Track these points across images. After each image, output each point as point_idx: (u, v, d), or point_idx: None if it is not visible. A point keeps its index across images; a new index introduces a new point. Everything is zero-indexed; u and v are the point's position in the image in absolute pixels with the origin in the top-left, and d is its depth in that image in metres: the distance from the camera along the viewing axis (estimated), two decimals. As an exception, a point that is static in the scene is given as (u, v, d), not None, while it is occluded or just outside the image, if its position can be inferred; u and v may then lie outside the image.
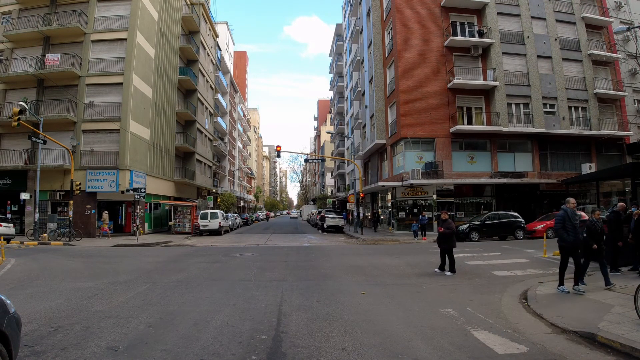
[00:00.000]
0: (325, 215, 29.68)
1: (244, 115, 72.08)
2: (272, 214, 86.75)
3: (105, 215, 21.06)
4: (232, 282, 8.29)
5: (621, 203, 8.60)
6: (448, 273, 9.09)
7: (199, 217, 24.67)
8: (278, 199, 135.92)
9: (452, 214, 21.96)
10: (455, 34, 23.50)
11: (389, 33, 25.79)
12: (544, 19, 24.58)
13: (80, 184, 19.99)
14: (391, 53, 24.98)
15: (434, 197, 22.61)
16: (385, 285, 7.97)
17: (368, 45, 29.76)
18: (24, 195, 20.13)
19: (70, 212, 19.70)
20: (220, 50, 46.75)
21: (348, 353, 4.17)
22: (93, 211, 21.50)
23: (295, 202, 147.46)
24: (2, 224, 17.62)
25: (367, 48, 30.04)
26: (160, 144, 26.50)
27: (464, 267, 10.06)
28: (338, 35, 49.70)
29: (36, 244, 17.38)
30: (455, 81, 22.50)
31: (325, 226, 28.74)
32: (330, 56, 57.49)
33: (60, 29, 22.05)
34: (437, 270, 9.48)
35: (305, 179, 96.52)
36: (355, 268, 10.17)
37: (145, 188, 20.87)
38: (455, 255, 9.53)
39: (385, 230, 25.62)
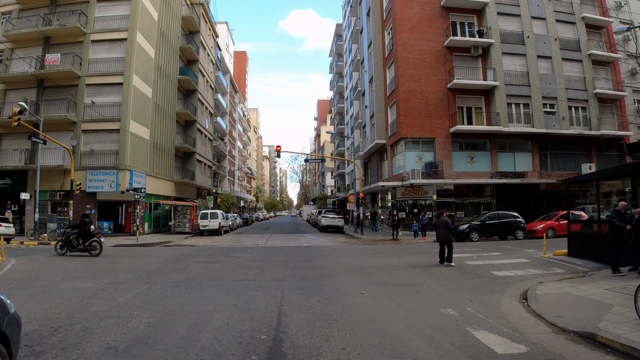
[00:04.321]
0: (323, 215, 29.65)
1: (244, 115, 72.10)
2: (271, 214, 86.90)
3: (8, 214, 19.21)
4: (232, 282, 8.29)
5: (622, 202, 8.57)
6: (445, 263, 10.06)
7: (199, 217, 24.67)
8: (278, 199, 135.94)
9: (452, 214, 21.96)
10: (455, 34, 23.51)
11: (389, 33, 25.79)
12: (544, 19, 24.58)
13: (80, 184, 19.99)
14: (391, 53, 24.98)
15: (434, 197, 22.62)
16: (385, 285, 7.97)
17: (368, 45, 29.76)
18: (24, 195, 20.14)
19: (70, 212, 19.69)
20: (220, 50, 46.75)
21: (348, 353, 4.17)
22: (93, 211, 21.49)
23: (295, 202, 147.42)
24: (2, 224, 17.63)
25: (367, 48, 30.05)
26: (160, 144, 26.50)
27: (464, 267, 10.06)
28: (338, 35, 49.71)
29: (36, 244, 17.39)
30: (455, 81, 22.51)
31: (321, 226, 28.69)
32: (330, 56, 57.50)
33: (60, 29, 22.06)
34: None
35: (305, 179, 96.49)
36: (355, 268, 10.17)
37: (145, 188, 20.86)
38: (455, 255, 10.07)
39: (385, 230, 25.59)
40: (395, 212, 21.18)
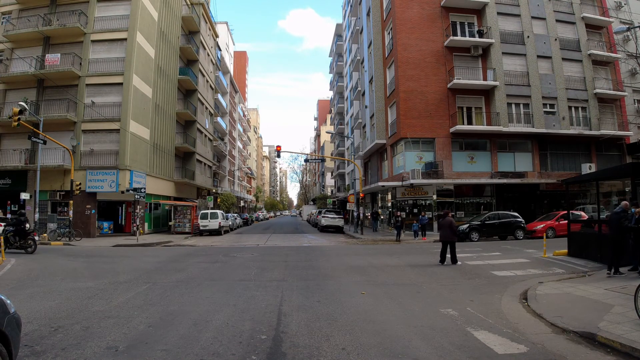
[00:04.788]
0: (323, 215, 29.69)
1: (244, 115, 72.10)
2: (271, 214, 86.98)
3: None
4: (232, 282, 8.29)
5: (625, 202, 8.50)
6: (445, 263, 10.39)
7: (199, 217, 24.67)
8: (278, 199, 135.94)
9: (452, 214, 21.95)
10: (455, 34, 23.50)
11: (389, 33, 25.79)
12: (544, 19, 24.58)
13: (80, 184, 19.98)
14: (391, 53, 24.98)
15: (434, 197, 22.61)
16: (385, 285, 7.97)
17: (368, 45, 29.76)
18: (24, 195, 20.12)
19: (70, 212, 19.70)
20: (220, 50, 46.75)
21: (348, 353, 4.17)
22: (93, 211, 21.50)
23: (295, 202, 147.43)
24: (2, 224, 17.61)
25: (367, 48, 30.05)
26: (160, 144, 26.50)
27: (464, 267, 10.08)
28: (338, 35, 49.72)
29: (36, 244, 17.35)
30: (455, 81, 22.50)
31: (321, 226, 28.71)
32: (330, 56, 57.52)
33: (60, 29, 22.04)
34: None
35: (305, 179, 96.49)
36: (355, 268, 10.17)
37: (145, 188, 20.87)
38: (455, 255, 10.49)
39: (385, 230, 25.60)
40: (398, 213, 20.55)
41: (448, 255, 10.65)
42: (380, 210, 29.46)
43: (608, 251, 8.60)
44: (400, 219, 19.58)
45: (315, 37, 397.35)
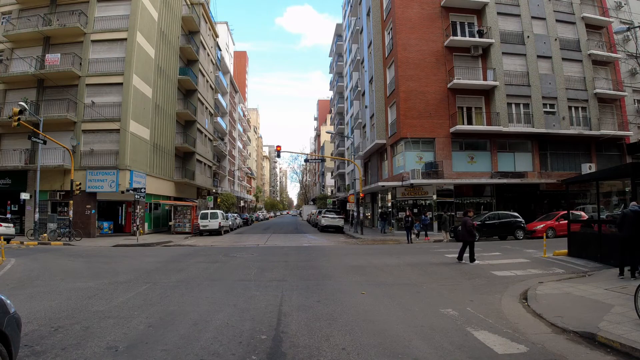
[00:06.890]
0: (323, 215, 29.71)
1: (244, 115, 72.11)
2: (271, 214, 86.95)
3: None
4: (232, 282, 8.29)
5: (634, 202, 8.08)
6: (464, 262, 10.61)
7: (199, 217, 24.68)
8: (278, 199, 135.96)
9: (452, 214, 21.97)
10: (455, 34, 23.50)
11: (389, 33, 25.79)
12: (544, 19, 24.58)
13: (80, 184, 19.99)
14: (391, 53, 24.98)
15: (434, 197, 22.61)
16: (385, 285, 7.97)
17: (368, 45, 29.76)
18: (24, 195, 20.14)
19: (70, 212, 19.70)
20: (220, 50, 46.75)
21: (348, 353, 4.17)
22: (93, 211, 21.51)
23: (295, 202, 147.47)
24: (2, 224, 17.63)
25: (367, 48, 30.05)
26: (160, 144, 26.50)
27: (464, 267, 10.08)
28: (338, 35, 49.72)
29: (36, 244, 17.39)
30: (455, 81, 22.50)
31: (321, 226, 28.71)
32: (330, 56, 57.53)
33: (60, 29, 22.05)
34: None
35: (305, 179, 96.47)
36: (355, 268, 10.17)
37: (145, 188, 20.86)
38: (454, 255, 10.81)
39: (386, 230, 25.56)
40: (408, 213, 19.24)
41: (466, 255, 10.83)
42: (380, 210, 29.44)
43: (622, 252, 7.89)
44: (410, 218, 18.39)
45: (313, 34, 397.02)
